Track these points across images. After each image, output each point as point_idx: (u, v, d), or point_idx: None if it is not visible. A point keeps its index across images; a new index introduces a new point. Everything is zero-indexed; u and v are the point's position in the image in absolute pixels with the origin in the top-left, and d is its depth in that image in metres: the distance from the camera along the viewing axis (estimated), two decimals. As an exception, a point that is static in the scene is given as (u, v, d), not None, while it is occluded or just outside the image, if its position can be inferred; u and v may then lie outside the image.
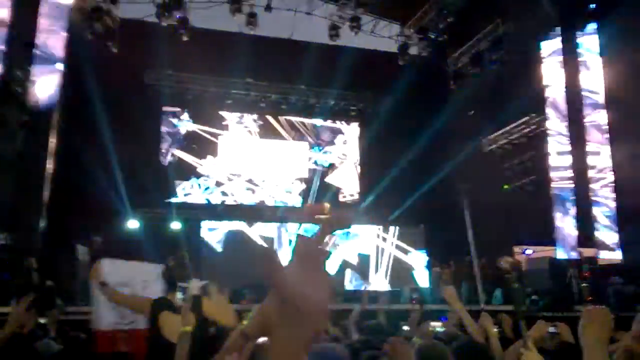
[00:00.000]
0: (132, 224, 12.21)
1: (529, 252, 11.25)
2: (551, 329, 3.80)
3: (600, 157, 12.08)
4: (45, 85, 11.35)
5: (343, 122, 16.32)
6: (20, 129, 10.65)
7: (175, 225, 12.60)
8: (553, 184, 12.51)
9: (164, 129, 14.78)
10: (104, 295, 3.67)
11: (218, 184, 14.85)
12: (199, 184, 14.72)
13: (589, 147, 12.25)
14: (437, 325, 4.90)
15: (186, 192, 14.59)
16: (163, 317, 3.27)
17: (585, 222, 11.74)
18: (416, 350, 2.29)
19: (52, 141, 11.01)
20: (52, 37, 11.85)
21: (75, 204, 11.14)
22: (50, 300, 7.26)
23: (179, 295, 2.97)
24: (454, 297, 3.66)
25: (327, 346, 2.74)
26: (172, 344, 3.09)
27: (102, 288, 3.65)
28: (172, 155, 14.72)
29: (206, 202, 14.65)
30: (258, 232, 13.56)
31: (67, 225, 10.76)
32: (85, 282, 9.49)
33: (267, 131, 15.69)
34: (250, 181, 15.15)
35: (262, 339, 1.97)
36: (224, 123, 15.32)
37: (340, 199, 15.62)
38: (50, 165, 10.87)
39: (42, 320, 5.68)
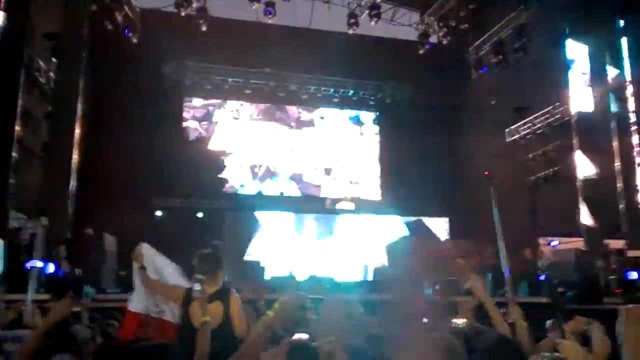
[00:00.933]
0: (158, 212, 12.26)
1: (554, 243, 11.10)
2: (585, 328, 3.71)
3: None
4: (68, 75, 11.39)
5: (362, 111, 16.21)
6: (45, 119, 10.73)
7: (200, 215, 12.66)
8: (579, 174, 12.28)
9: (185, 117, 14.83)
10: (140, 280, 3.68)
11: (242, 173, 14.86)
12: (226, 173, 14.77)
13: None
14: (458, 320, 4.80)
15: (212, 180, 14.64)
16: (194, 307, 3.27)
17: (612, 214, 11.54)
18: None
19: (77, 131, 11.07)
20: (74, 28, 11.88)
21: (101, 193, 11.22)
22: (79, 288, 7.32)
23: (196, 286, 2.95)
24: (480, 288, 3.53)
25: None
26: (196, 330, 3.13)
27: (139, 272, 3.65)
28: (195, 143, 14.77)
29: (234, 191, 14.69)
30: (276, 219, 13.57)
31: (94, 214, 10.85)
32: (112, 270, 9.62)
33: (283, 120, 15.66)
34: (272, 171, 15.15)
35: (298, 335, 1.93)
36: (244, 112, 15.31)
37: (360, 191, 15.56)
38: (75, 155, 10.94)
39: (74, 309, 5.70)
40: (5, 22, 9.27)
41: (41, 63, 11.09)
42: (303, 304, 2.23)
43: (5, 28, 9.27)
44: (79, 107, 11.25)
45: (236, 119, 15.27)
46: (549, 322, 4.59)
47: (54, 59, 11.37)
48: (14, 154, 9.64)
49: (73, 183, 10.72)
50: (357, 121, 16.26)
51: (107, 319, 5.12)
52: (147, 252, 3.96)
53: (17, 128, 9.86)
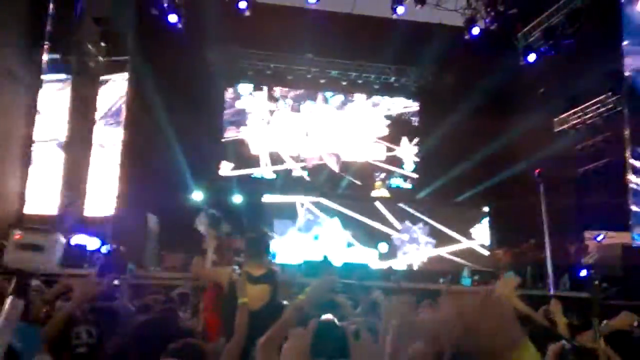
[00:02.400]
0: (197, 195, 12.53)
1: (600, 237, 10.72)
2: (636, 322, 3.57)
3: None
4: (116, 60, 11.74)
5: (404, 98, 15.98)
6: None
7: (237, 199, 12.86)
8: (630, 167, 11.76)
9: (227, 103, 15.04)
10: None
11: (272, 160, 14.98)
12: (260, 159, 14.94)
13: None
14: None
15: (248, 165, 14.85)
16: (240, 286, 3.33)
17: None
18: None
19: (124, 114, 11.43)
20: (121, 12, 12.18)
21: (145, 174, 11.53)
22: (122, 265, 7.59)
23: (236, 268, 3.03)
24: (510, 289, 3.27)
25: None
26: (249, 311, 3.19)
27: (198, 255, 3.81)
28: (235, 129, 14.98)
29: (270, 175, 14.84)
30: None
31: (137, 195, 11.19)
32: (154, 249, 9.95)
33: (328, 107, 15.64)
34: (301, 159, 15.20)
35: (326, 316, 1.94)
36: (282, 98, 15.39)
37: (401, 179, 15.41)
38: (122, 136, 11.31)
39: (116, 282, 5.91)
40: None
41: (90, 47, 11.47)
42: (334, 287, 2.26)
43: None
44: (126, 91, 11.58)
45: (272, 111, 15.33)
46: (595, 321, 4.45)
47: (102, 44, 11.71)
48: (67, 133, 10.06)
49: (118, 163, 11.09)
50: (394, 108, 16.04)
51: (148, 295, 5.31)
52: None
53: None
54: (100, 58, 11.74)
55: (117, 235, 9.32)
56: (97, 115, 11.91)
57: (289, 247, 12.43)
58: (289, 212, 13.57)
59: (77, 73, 10.83)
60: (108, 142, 11.79)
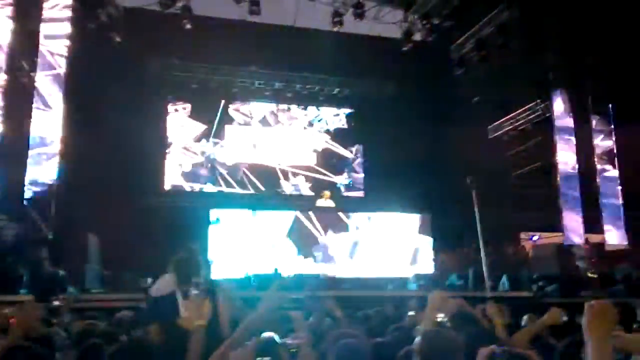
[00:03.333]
0: (140, 212, 12.22)
1: (535, 238, 11.29)
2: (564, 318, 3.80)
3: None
4: (49, 76, 11.33)
5: (345, 109, 16.29)
6: (28, 119, 10.67)
7: (181, 214, 12.65)
8: (559, 170, 12.50)
9: (169, 117, 14.81)
10: None
11: (226, 171, 14.87)
12: (207, 172, 14.77)
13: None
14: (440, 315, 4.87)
15: (193, 179, 14.66)
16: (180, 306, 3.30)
17: (592, 208, 11.76)
18: (421, 336, 2.28)
19: (60, 132, 11.03)
20: (55, 27, 11.79)
21: (84, 194, 11.16)
22: (62, 289, 7.32)
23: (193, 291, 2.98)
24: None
25: (350, 340, 2.77)
26: (188, 332, 3.17)
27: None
28: (178, 143, 14.76)
29: (214, 190, 14.70)
30: (265, 219, 13.60)
31: (76, 215, 10.80)
32: (95, 270, 9.61)
33: (272, 119, 15.70)
34: (254, 169, 15.18)
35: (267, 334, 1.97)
36: (230, 111, 15.34)
37: (344, 187, 15.66)
38: (57, 156, 10.90)
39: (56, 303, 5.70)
40: None
41: (23, 63, 11.02)
42: (282, 303, 2.28)
43: None
44: (62, 107, 11.20)
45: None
46: (525, 318, 4.70)
47: (36, 59, 11.28)
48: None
49: (55, 183, 10.68)
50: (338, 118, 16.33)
51: (90, 319, 5.14)
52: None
53: (1, 126, 9.82)
54: (32, 74, 11.29)
55: (56, 257, 8.95)
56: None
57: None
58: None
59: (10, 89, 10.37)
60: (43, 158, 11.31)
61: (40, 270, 8.18)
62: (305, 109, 16.03)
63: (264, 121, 15.64)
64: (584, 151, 12.28)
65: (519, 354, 1.78)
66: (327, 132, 16.08)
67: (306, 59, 14.22)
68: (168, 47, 13.57)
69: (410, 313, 4.69)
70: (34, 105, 11.17)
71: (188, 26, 13.01)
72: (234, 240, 13.12)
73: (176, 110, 14.99)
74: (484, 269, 7.62)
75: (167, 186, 14.26)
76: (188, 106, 15.06)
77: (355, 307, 6.19)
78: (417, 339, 2.24)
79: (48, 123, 11.08)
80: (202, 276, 3.51)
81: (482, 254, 7.58)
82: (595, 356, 1.57)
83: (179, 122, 14.94)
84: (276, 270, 10.86)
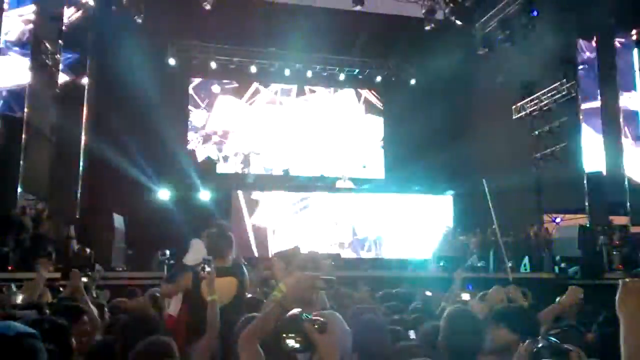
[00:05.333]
0: (163, 194, 12.41)
1: (558, 220, 11.14)
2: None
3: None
4: (75, 57, 11.48)
5: (367, 89, 16.17)
6: (52, 102, 10.85)
7: (205, 195, 12.80)
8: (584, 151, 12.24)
9: (191, 99, 14.92)
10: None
11: (246, 154, 14.96)
12: (227, 154, 14.88)
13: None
14: (465, 295, 4.89)
15: (216, 161, 14.79)
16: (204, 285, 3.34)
17: (618, 190, 11.53)
18: (445, 315, 2.30)
19: (85, 113, 11.21)
20: (78, 10, 11.92)
21: (109, 174, 11.36)
22: (89, 267, 7.51)
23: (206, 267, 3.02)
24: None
25: (368, 315, 2.81)
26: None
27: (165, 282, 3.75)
28: (201, 126, 14.89)
29: (237, 171, 14.82)
30: (289, 200, 13.70)
31: (102, 195, 11.03)
32: (121, 249, 9.84)
33: (291, 100, 15.69)
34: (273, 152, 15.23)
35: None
36: (250, 93, 15.36)
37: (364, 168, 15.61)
38: (83, 136, 11.09)
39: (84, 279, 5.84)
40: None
41: (48, 45, 11.18)
42: (314, 283, 2.29)
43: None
44: (86, 89, 11.36)
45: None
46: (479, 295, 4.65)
47: (60, 41, 11.43)
48: (23, 136, 9.80)
49: (81, 163, 10.89)
50: (359, 99, 16.22)
51: (115, 296, 5.27)
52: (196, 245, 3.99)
53: (26, 110, 10.01)
54: (58, 56, 11.46)
55: (82, 236, 9.18)
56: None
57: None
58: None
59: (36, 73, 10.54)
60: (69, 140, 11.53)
61: (68, 248, 8.41)
62: (326, 89, 15.96)
63: (283, 102, 15.64)
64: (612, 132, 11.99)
65: (563, 349, 1.69)
66: (348, 113, 16.00)
67: (326, 40, 14.09)
68: (189, 29, 13.59)
69: (427, 293, 4.71)
70: (57, 88, 11.36)
71: (208, 7, 12.99)
72: (252, 221, 13.29)
73: (196, 93, 15.08)
74: (502, 251, 7.59)
75: (191, 167, 14.37)
76: (213, 87, 15.14)
77: (377, 288, 6.23)
78: (444, 316, 2.28)
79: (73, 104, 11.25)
80: (229, 251, 3.55)
81: (499, 237, 7.57)
82: (627, 333, 1.58)
83: (201, 104, 15.04)
84: (297, 247, 10.94)
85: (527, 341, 1.76)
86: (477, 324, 2.23)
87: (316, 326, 1.64)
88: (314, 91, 15.90)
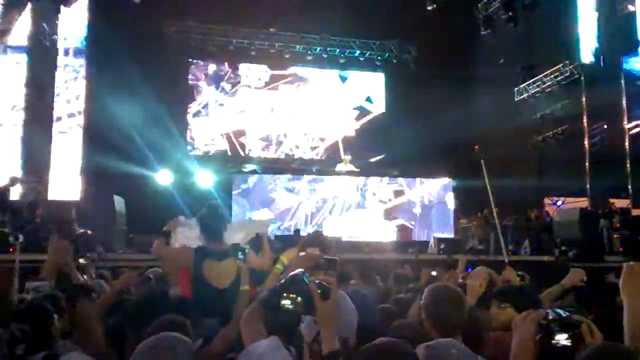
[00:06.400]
0: (163, 175, 12.36)
1: (559, 203, 11.13)
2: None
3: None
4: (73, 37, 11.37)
5: (368, 72, 16.02)
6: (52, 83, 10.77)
7: (204, 178, 12.78)
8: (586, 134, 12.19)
9: (189, 81, 14.81)
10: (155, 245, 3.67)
11: (240, 136, 14.90)
12: (224, 136, 14.83)
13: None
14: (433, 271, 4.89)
15: (215, 144, 14.74)
16: (207, 265, 3.31)
17: (620, 173, 11.50)
18: (429, 292, 2.30)
19: (83, 94, 11.14)
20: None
21: (110, 156, 11.32)
22: (90, 249, 7.52)
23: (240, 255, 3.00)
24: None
25: (359, 290, 2.82)
26: (218, 289, 3.19)
27: (160, 236, 3.67)
28: (200, 107, 14.81)
29: (236, 154, 14.78)
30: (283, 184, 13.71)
31: (103, 177, 11.00)
32: (121, 231, 9.85)
33: (293, 83, 15.57)
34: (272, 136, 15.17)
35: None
36: (248, 75, 15.23)
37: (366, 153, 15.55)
38: (82, 117, 11.04)
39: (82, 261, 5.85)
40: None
41: (45, 26, 11.06)
42: (318, 262, 2.28)
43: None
44: (84, 70, 11.27)
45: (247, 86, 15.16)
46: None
47: (57, 21, 11.31)
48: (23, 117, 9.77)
49: (81, 145, 10.85)
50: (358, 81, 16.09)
51: (116, 278, 5.28)
52: (184, 223, 3.92)
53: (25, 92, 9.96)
54: (55, 36, 11.34)
55: (83, 218, 9.18)
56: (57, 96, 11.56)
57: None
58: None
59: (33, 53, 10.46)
60: (69, 124, 11.50)
61: (69, 230, 8.41)
62: (325, 70, 15.81)
63: (282, 84, 15.52)
64: (614, 114, 11.91)
65: (573, 321, 1.54)
66: (346, 94, 15.89)
67: (326, 21, 13.92)
68: (187, 9, 13.43)
69: (433, 273, 4.69)
70: (57, 71, 11.28)
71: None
72: (255, 203, 13.31)
73: (196, 74, 14.97)
74: (499, 235, 7.61)
75: (190, 150, 14.36)
76: (209, 69, 15.02)
77: (376, 270, 6.24)
78: (425, 291, 2.30)
79: (72, 88, 11.18)
80: (224, 234, 3.50)
81: (496, 220, 7.59)
82: (631, 315, 1.60)
83: (200, 85, 14.94)
84: (297, 231, 10.99)
85: (532, 311, 1.65)
86: (461, 300, 2.23)
87: (320, 291, 1.61)
88: (305, 79, 15.73)
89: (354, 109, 15.73)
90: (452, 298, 2.23)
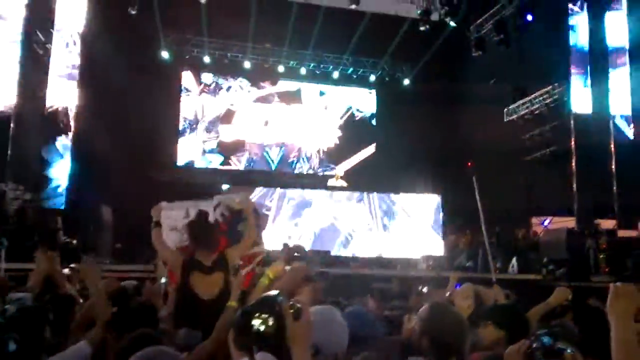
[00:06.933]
0: (152, 187, 12.28)
1: (546, 222, 11.22)
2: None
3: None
4: (64, 48, 11.37)
5: (360, 88, 16.16)
6: (43, 90, 10.75)
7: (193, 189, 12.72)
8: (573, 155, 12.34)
9: (182, 93, 14.84)
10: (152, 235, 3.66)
11: (231, 149, 14.90)
12: (215, 149, 14.83)
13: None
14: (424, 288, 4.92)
15: (202, 156, 14.72)
16: (195, 277, 3.29)
17: (606, 194, 11.63)
18: (427, 311, 2.27)
19: (75, 104, 11.10)
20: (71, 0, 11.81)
21: (98, 165, 11.26)
22: (75, 259, 7.43)
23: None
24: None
25: (358, 308, 2.81)
26: (203, 301, 3.18)
27: (154, 227, 3.60)
28: (190, 119, 14.81)
29: (221, 166, 14.77)
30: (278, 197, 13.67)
31: (90, 187, 10.92)
32: (108, 242, 9.76)
33: (283, 97, 15.66)
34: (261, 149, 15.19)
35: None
36: (240, 88, 15.29)
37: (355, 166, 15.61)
38: (72, 126, 11.00)
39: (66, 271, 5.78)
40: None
41: (40, 35, 11.06)
42: (309, 275, 2.26)
43: None
44: (77, 79, 11.26)
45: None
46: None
47: (52, 30, 11.32)
48: (12, 125, 9.69)
49: (69, 153, 10.79)
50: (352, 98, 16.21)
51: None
52: (167, 209, 3.92)
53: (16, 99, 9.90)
54: (49, 45, 11.34)
55: (69, 227, 9.09)
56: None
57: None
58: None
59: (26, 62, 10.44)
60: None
61: (54, 239, 8.32)
62: (318, 86, 15.93)
63: (275, 99, 15.60)
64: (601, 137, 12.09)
65: (557, 349, 1.63)
66: (340, 110, 15.99)
67: (321, 37, 14.07)
68: (183, 22, 13.50)
69: (424, 290, 4.71)
70: (49, 78, 11.25)
71: (202, 0, 12.91)
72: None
73: (188, 87, 15.01)
74: (488, 252, 7.65)
75: (180, 162, 14.34)
76: (203, 80, 15.07)
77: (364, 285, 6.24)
78: (423, 308, 2.25)
79: (63, 95, 11.15)
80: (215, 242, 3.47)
81: (485, 238, 7.63)
82: (618, 336, 1.61)
83: (193, 98, 14.97)
84: (285, 245, 10.92)
85: (522, 341, 1.72)
86: (460, 319, 2.22)
87: (292, 311, 1.59)
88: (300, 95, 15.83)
89: (342, 124, 15.83)
90: (454, 319, 2.19)
